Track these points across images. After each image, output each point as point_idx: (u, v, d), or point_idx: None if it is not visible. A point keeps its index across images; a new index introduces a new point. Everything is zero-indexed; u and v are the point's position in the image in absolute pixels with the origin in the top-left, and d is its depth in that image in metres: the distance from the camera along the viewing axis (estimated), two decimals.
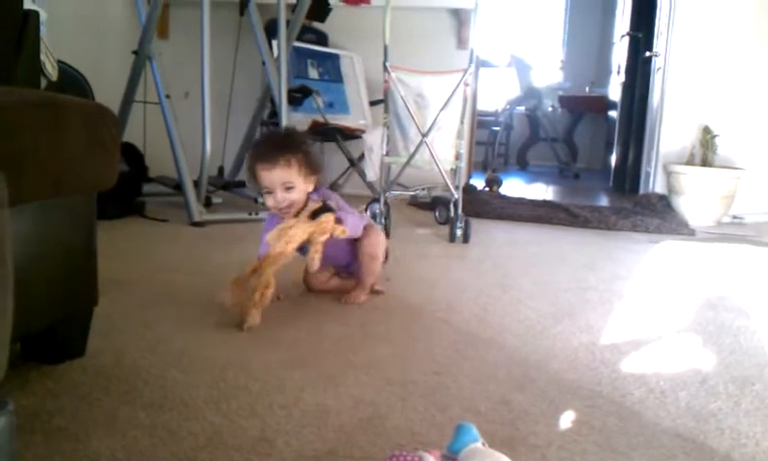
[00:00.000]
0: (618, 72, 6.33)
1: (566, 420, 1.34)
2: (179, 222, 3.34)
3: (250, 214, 3.51)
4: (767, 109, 4.49)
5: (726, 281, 2.73)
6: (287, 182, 1.96)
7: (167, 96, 3.50)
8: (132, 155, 3.61)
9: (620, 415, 1.37)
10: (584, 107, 8.01)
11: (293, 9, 3.90)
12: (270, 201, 2.00)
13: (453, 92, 3.16)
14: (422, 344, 1.77)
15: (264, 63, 3.83)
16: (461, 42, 4.74)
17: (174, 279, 2.31)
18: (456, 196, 3.23)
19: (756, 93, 4.48)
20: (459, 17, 4.75)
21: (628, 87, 5.96)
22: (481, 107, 6.65)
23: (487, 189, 5.18)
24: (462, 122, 3.25)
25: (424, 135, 3.15)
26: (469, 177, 5.18)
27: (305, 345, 1.72)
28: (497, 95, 8.02)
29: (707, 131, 4.36)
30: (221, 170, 4.20)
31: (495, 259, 2.90)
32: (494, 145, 7.84)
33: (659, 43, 4.92)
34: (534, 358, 1.69)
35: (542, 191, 6.00)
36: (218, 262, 2.61)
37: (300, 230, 1.88)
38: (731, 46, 4.48)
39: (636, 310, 2.19)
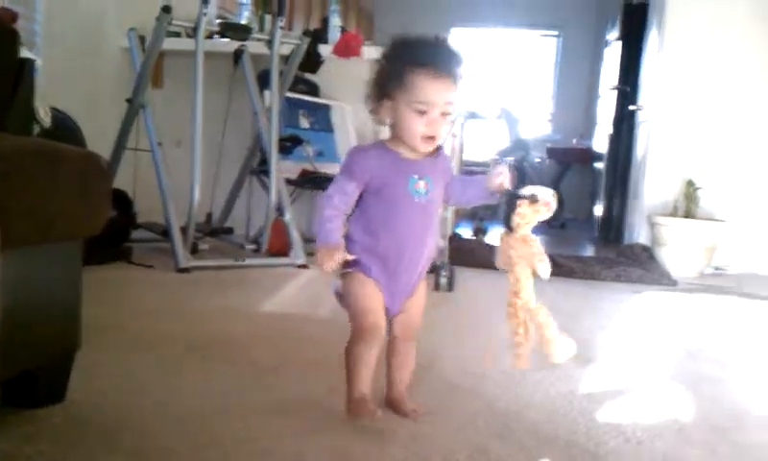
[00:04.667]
0: (604, 125, 6.44)
1: None
2: (165, 268, 3.35)
3: (236, 261, 3.53)
4: (749, 163, 4.59)
5: (706, 332, 2.76)
6: (449, 107, 1.50)
7: (159, 144, 3.54)
8: (121, 201, 3.62)
9: None
10: (571, 158, 8.14)
11: (285, 60, 3.97)
12: (419, 124, 1.47)
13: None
14: None
15: (256, 113, 3.89)
16: None
17: (157, 325, 2.31)
18: (442, 244, 3.27)
19: (738, 147, 4.58)
20: None
21: (614, 140, 6.07)
22: (470, 157, 6.73)
23: (473, 238, 5.24)
24: None
25: None
26: (456, 226, 5.22)
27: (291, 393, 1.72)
28: (486, 146, 8.12)
29: (690, 183, 4.44)
30: (209, 216, 4.23)
31: (479, 308, 2.92)
32: None
33: (643, 97, 5.02)
34: (513, 407, 1.70)
35: None
36: (202, 309, 2.62)
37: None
38: (715, 101, 4.59)
39: (615, 360, 2.21)
